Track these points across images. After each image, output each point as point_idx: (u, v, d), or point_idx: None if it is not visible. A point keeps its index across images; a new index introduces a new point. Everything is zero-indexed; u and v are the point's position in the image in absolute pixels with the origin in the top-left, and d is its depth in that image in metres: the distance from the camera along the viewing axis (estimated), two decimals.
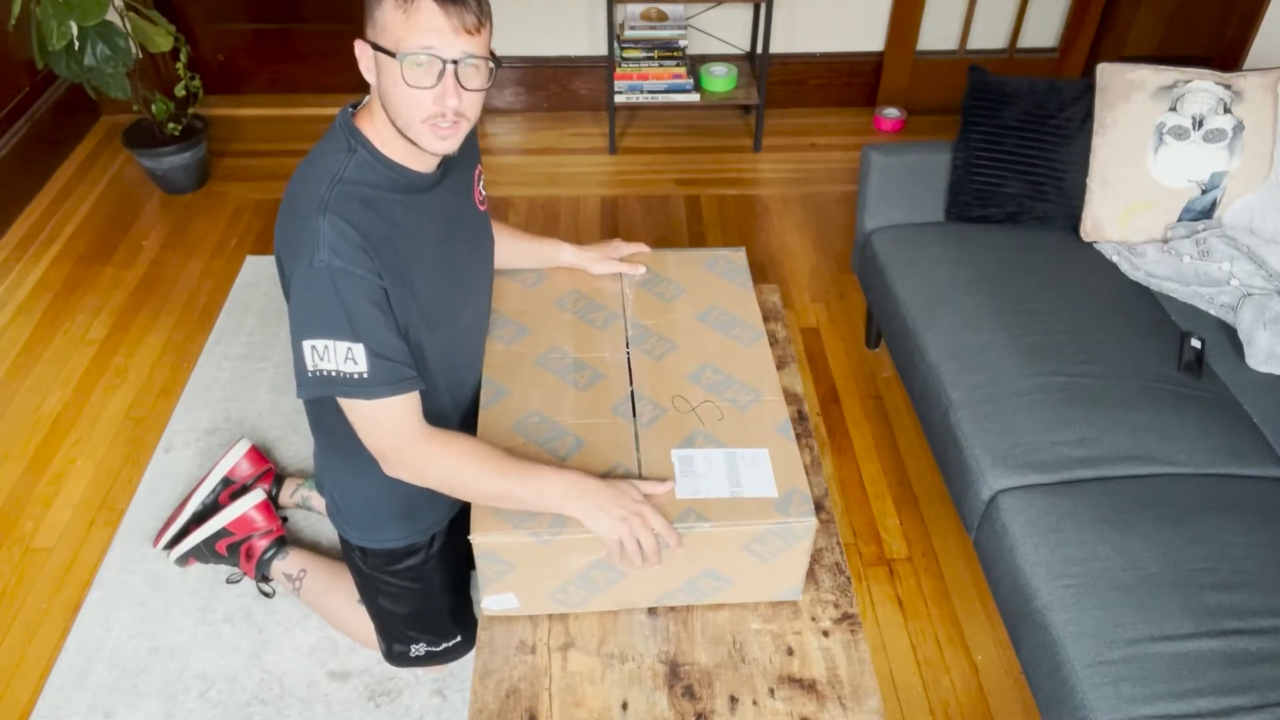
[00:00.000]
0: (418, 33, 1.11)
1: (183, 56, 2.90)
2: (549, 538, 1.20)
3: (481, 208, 1.44)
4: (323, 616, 1.84)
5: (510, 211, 3.05)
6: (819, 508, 1.41)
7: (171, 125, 2.98)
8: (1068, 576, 1.45)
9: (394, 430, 1.21)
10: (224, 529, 1.87)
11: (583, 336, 1.49)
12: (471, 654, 1.67)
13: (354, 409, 1.20)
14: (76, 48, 2.59)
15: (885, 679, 1.79)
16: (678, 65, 3.22)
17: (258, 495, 1.89)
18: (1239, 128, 1.95)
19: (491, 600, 1.29)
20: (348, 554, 1.57)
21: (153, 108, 2.93)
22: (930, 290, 2.01)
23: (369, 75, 1.18)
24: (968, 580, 1.96)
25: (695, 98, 3.26)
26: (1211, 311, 1.93)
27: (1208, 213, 2.01)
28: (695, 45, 3.44)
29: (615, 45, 3.18)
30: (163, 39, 2.71)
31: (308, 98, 3.55)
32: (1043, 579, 1.46)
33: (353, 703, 1.73)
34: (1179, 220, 2.02)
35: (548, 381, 1.41)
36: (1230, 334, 1.89)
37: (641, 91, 3.24)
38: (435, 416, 1.43)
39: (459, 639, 1.68)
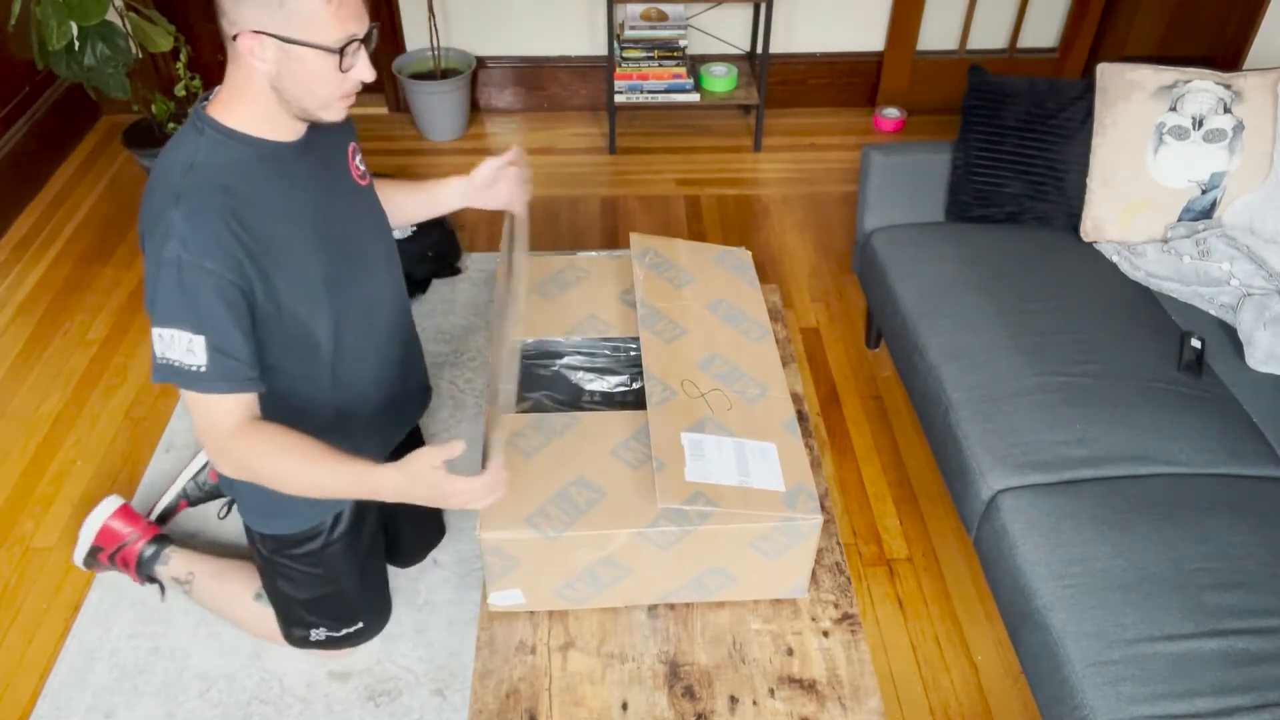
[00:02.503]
0: (347, 22, 1.15)
1: (183, 56, 2.90)
2: (555, 534, 1.21)
3: (362, 182, 1.43)
4: (219, 616, 1.82)
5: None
6: (819, 507, 1.41)
7: (171, 125, 2.97)
8: (1068, 576, 1.45)
9: (220, 424, 1.22)
10: (93, 545, 1.83)
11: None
12: (472, 654, 1.67)
13: (189, 400, 1.22)
14: (76, 48, 2.59)
15: (885, 679, 1.79)
16: (678, 65, 3.22)
17: (112, 503, 1.84)
18: (1239, 128, 1.95)
19: (498, 596, 1.29)
20: (249, 538, 1.57)
21: (153, 108, 2.92)
22: (930, 290, 2.01)
23: (262, 65, 1.16)
24: (968, 580, 1.96)
25: (695, 98, 3.26)
26: (1211, 311, 1.93)
27: (1208, 213, 2.01)
28: (695, 45, 3.44)
29: (615, 45, 3.18)
30: (163, 39, 2.71)
31: None
32: (1043, 579, 1.46)
33: (353, 703, 1.73)
34: (1179, 220, 2.02)
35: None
36: (1230, 334, 1.89)
37: (641, 91, 3.24)
38: (350, 402, 1.43)
39: (360, 625, 1.68)
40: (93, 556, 1.86)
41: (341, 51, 1.15)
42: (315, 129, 1.29)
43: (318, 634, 1.66)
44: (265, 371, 1.30)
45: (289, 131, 1.25)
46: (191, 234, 1.14)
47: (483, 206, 1.57)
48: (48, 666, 1.80)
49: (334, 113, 1.23)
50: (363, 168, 1.44)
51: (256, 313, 1.24)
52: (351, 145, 1.42)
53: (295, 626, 1.66)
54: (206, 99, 1.25)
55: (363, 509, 1.58)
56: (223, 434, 1.23)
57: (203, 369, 1.17)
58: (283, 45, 1.13)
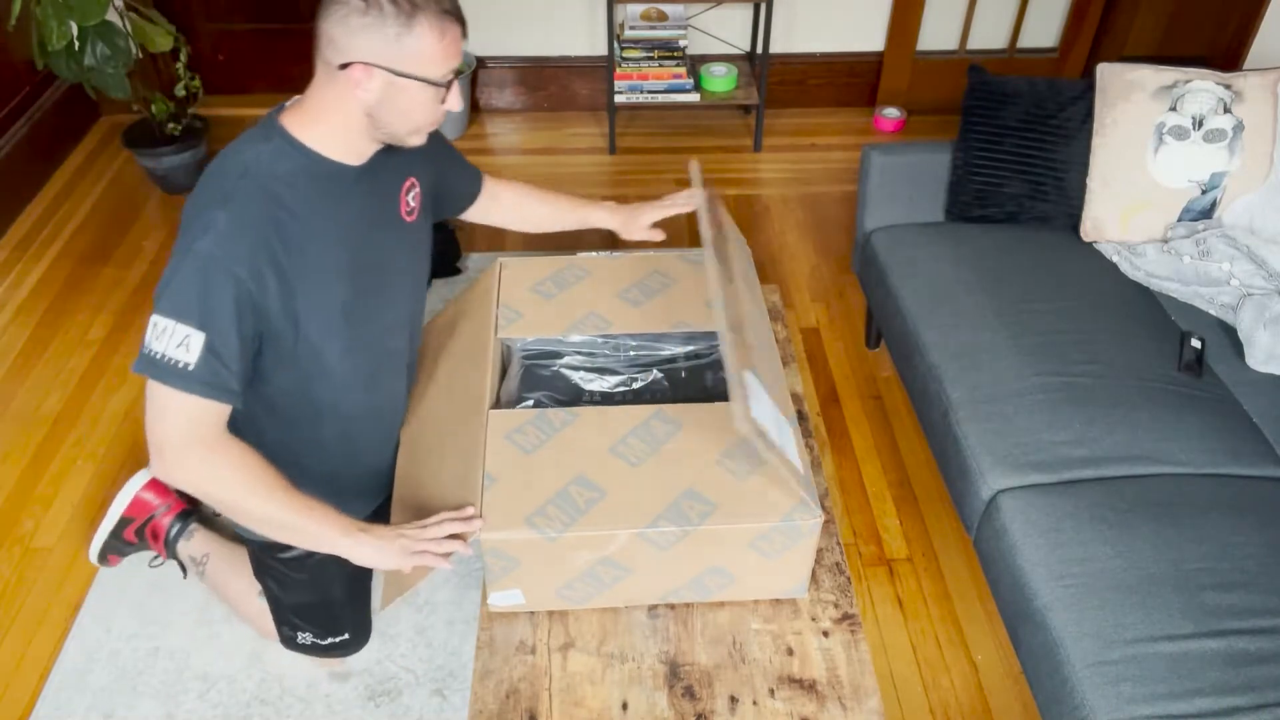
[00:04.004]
0: (453, 57, 1.19)
1: (183, 56, 2.90)
2: (555, 535, 1.21)
3: (409, 219, 1.42)
4: (225, 604, 1.82)
5: None
6: (819, 507, 1.41)
7: (171, 125, 2.98)
8: (1068, 576, 1.45)
9: (186, 428, 1.18)
10: (123, 517, 1.84)
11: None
12: (472, 654, 1.66)
13: (157, 397, 1.16)
14: (76, 48, 2.59)
15: (885, 679, 1.79)
16: (678, 65, 3.22)
17: (143, 475, 1.86)
18: (1239, 128, 1.95)
19: (498, 596, 1.29)
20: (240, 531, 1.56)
21: (153, 108, 2.92)
22: (930, 290, 2.01)
23: (365, 95, 1.18)
24: (968, 580, 1.96)
25: (695, 98, 3.26)
26: (1211, 311, 1.93)
27: (1208, 213, 2.01)
28: (695, 45, 3.44)
29: (615, 45, 3.18)
30: (163, 39, 2.71)
31: None
32: (1043, 579, 1.46)
33: (353, 703, 1.73)
34: (1179, 220, 2.02)
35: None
36: (1230, 334, 1.89)
37: (641, 91, 3.24)
38: (353, 423, 1.43)
39: (346, 637, 1.68)
40: (117, 536, 1.86)
41: (447, 85, 1.20)
42: (379, 157, 1.30)
43: (304, 638, 1.66)
44: (266, 384, 1.28)
45: (357, 155, 1.27)
46: (230, 235, 1.14)
47: (629, 238, 1.65)
48: (48, 666, 1.80)
49: (421, 138, 1.27)
50: (414, 204, 1.43)
51: (269, 329, 1.22)
52: (408, 182, 1.40)
53: (284, 625, 1.66)
54: (282, 107, 1.27)
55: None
56: (185, 440, 1.18)
57: (190, 367, 1.14)
58: (392, 78, 1.16)
